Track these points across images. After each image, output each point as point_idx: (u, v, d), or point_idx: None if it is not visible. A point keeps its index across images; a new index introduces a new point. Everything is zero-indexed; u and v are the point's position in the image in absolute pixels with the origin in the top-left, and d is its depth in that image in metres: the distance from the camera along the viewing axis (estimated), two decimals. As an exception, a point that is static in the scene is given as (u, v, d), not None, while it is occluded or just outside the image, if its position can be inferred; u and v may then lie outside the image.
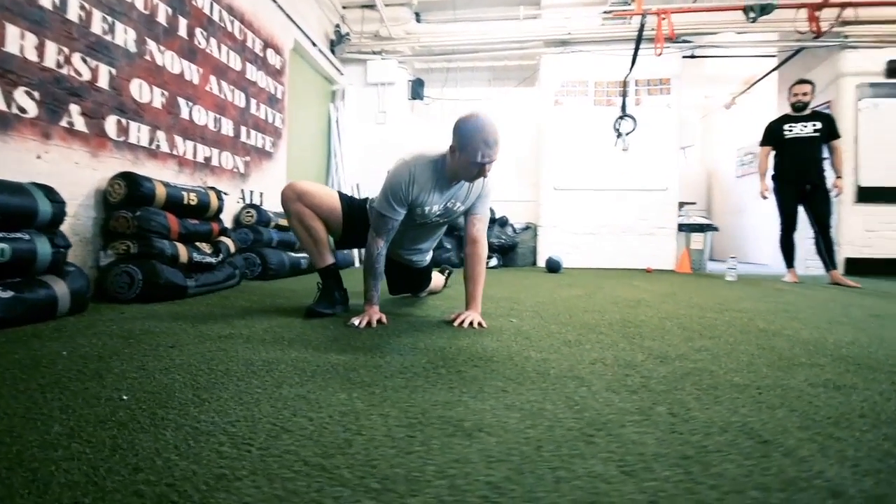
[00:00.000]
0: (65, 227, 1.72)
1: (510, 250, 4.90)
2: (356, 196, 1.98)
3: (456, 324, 1.61)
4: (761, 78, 5.42)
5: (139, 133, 2.33)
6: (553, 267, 4.27)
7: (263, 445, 0.66)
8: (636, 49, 4.20)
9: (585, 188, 4.88)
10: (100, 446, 0.65)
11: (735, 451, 0.66)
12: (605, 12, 4.65)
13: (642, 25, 3.93)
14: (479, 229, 1.76)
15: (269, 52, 3.61)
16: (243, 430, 0.72)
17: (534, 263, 5.07)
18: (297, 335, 1.40)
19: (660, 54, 4.13)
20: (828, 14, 4.00)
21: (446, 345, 1.31)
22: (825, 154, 3.64)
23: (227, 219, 3.10)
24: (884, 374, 1.08)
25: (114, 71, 2.15)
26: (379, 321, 1.61)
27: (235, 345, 1.26)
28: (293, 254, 3.35)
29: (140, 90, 2.33)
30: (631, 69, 4.53)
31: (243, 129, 3.26)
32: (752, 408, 0.84)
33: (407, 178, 1.62)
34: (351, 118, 5.13)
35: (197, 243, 2.37)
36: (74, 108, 1.96)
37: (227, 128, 3.08)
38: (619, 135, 4.79)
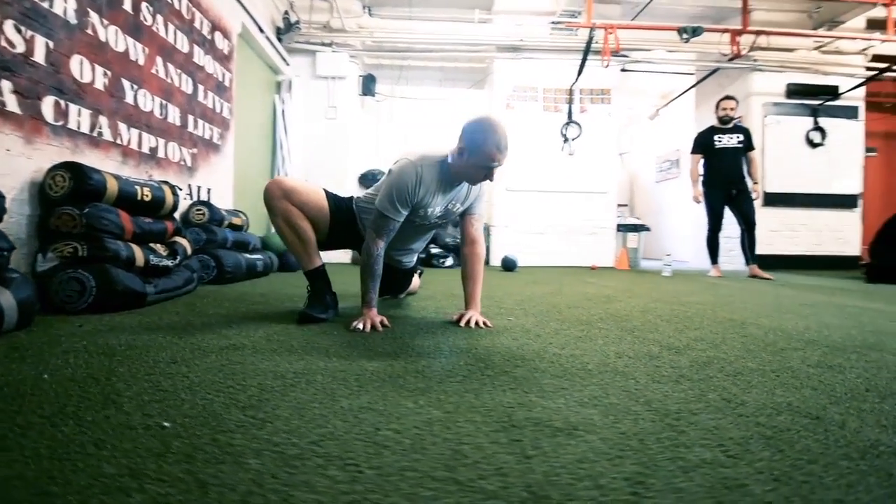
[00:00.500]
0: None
1: (465, 249, 4.96)
2: (340, 195, 1.90)
3: (462, 323, 1.61)
4: (683, 93, 5.99)
5: (80, 117, 2.04)
6: (509, 265, 4.40)
7: (372, 465, 0.62)
8: (584, 59, 4.46)
9: (535, 189, 5.09)
10: (184, 485, 0.56)
11: (802, 429, 0.74)
12: (553, 23, 4.87)
13: (591, 38, 4.18)
14: (478, 229, 1.78)
15: (217, 35, 3.33)
16: (334, 449, 0.67)
17: (487, 262, 5.18)
18: (304, 342, 1.31)
19: (607, 66, 4.42)
20: (745, 40, 4.52)
21: (470, 345, 1.31)
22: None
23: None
24: (854, 354, 1.25)
25: (51, 44, 1.86)
26: (382, 324, 1.56)
27: (245, 356, 1.16)
28: (249, 255, 3.12)
29: (81, 68, 2.04)
30: (577, 78, 4.79)
31: (190, 118, 2.98)
32: (782, 389, 0.95)
33: (414, 179, 1.59)
34: (298, 112, 4.88)
35: (151, 245, 2.13)
36: (6, 85, 1.67)
37: (174, 116, 2.79)
38: (566, 140, 5.05)
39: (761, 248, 5.23)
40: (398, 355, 1.19)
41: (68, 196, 1.82)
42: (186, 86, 2.92)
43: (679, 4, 4.87)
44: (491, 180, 1.59)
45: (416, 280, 2.43)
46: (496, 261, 4.99)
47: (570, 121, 5.01)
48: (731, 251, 5.51)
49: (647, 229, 5.28)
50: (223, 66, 3.43)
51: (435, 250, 4.83)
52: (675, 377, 1.02)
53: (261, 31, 4.06)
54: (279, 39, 4.59)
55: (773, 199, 5.19)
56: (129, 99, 2.37)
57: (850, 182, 5.25)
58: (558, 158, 5.08)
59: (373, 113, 5.62)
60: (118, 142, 2.30)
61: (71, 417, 0.77)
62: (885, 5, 4.37)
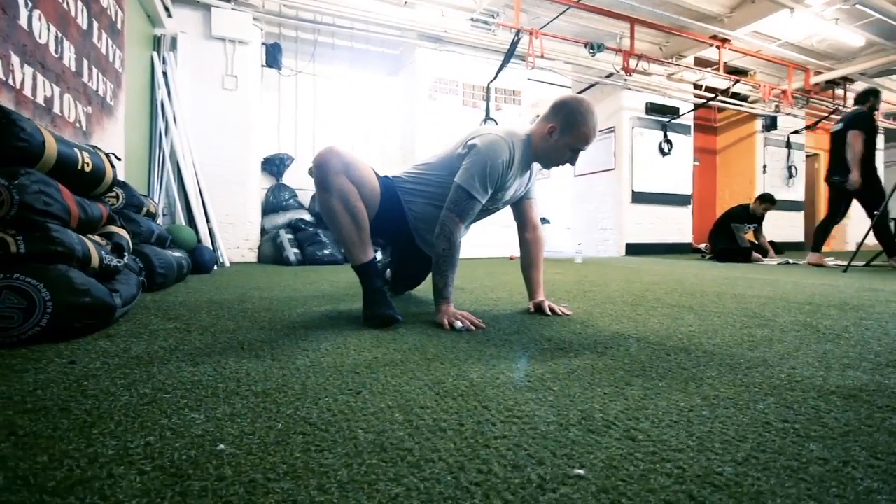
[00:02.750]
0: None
1: (391, 243, 4.71)
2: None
3: (547, 311, 1.52)
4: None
5: (-41, 36, 1.29)
6: (445, 258, 4.33)
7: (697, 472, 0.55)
8: (507, 59, 4.64)
9: (457, 183, 5.11)
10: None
11: None
12: (472, 20, 4.94)
13: (517, 40, 4.37)
14: (537, 213, 1.73)
15: (109, -42, 2.46)
16: (602, 471, 0.56)
17: (411, 256, 5.01)
18: (406, 352, 1.07)
19: (532, 68, 4.68)
20: (628, 62, 5.30)
21: (576, 339, 1.22)
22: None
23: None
24: (838, 310, 1.59)
25: None
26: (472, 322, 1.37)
27: (374, 376, 0.90)
28: (175, 252, 2.41)
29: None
30: (496, 76, 4.97)
31: (85, 64, 2.15)
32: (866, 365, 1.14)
33: (507, 157, 1.45)
34: (185, 77, 3.95)
35: (90, 235, 1.48)
36: None
37: (69, 56, 1.98)
38: (483, 135, 5.19)
39: (629, 238, 6.24)
40: (566, 350, 1.07)
41: (-19, 157, 1.13)
42: (82, 18, 2.09)
43: (570, 23, 5.43)
44: (573, 164, 1.53)
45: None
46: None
47: (487, 117, 5.17)
48: (607, 241, 6.41)
49: (549, 222, 5.79)
50: (116, 1, 2.56)
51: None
52: (782, 353, 1.15)
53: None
54: (164, -18, 3.63)
55: (637, 198, 6.23)
56: (23, 20, 1.59)
57: (686, 184, 6.64)
58: (476, 153, 5.19)
59: (274, 89, 4.89)
60: (10, 82, 1.52)
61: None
62: (717, 47, 5.63)
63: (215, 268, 3.53)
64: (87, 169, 1.45)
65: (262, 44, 4.39)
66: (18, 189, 1.15)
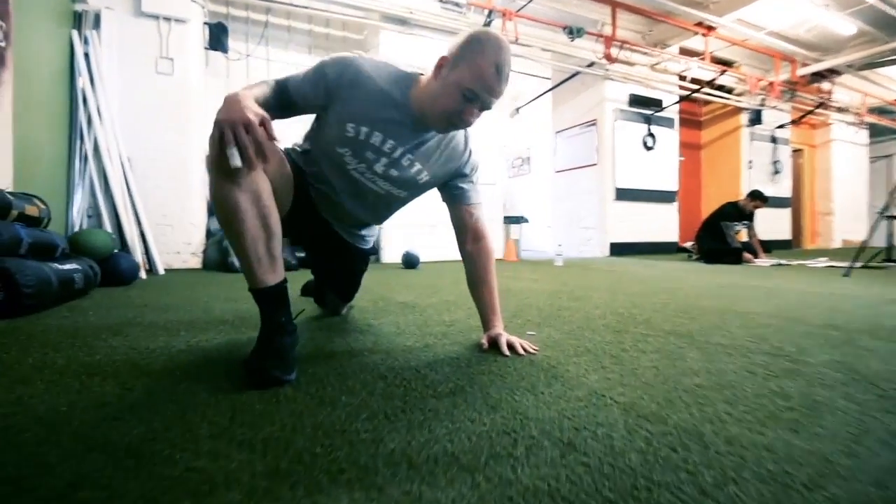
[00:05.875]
0: None
1: (354, 246, 4.29)
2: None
3: (505, 351, 1.12)
4: (548, 91, 6.41)
5: None
6: (410, 262, 3.94)
7: None
8: (478, 43, 4.25)
9: (427, 179, 4.71)
10: None
11: None
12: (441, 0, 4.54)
13: (489, 22, 3.99)
14: (479, 219, 1.26)
15: None
16: None
17: (377, 260, 4.61)
18: (283, 443, 0.68)
19: (503, 53, 4.29)
20: (614, 50, 4.96)
21: (532, 410, 0.86)
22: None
23: None
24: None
25: None
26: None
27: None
28: (59, 265, 1.96)
29: None
30: (467, 63, 4.57)
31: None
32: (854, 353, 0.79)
33: (349, 68, 1.06)
34: (111, 59, 3.46)
35: None
36: None
37: None
38: (456, 128, 4.80)
39: (613, 237, 5.92)
40: (512, 441, 0.68)
41: None
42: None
43: (548, 7, 5.07)
44: (465, 123, 1.02)
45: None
46: (391, 258, 4.47)
47: (460, 108, 4.77)
48: (590, 241, 6.10)
49: (527, 221, 5.44)
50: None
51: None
52: (789, 369, 0.79)
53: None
54: (78, -53, 3.14)
55: (621, 195, 5.91)
56: None
57: (671, 181, 6.34)
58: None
59: (221, 76, 4.41)
60: None
61: None
62: (703, 35, 5.33)
63: (143, 276, 3.07)
64: None
65: (205, 24, 3.91)
66: None
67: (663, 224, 6.29)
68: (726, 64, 6.58)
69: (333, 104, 1.07)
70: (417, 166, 1.15)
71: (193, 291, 2.35)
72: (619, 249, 5.89)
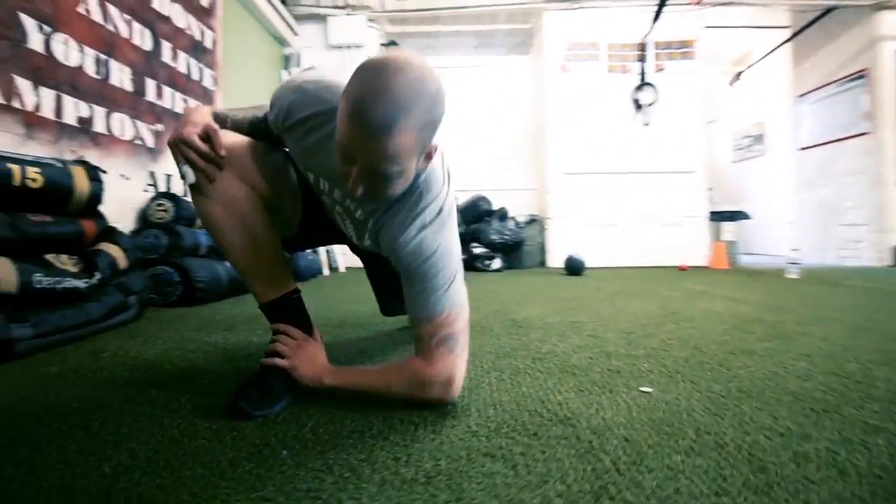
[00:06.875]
0: None
1: (514, 249, 4.04)
2: None
3: None
4: (781, 45, 4.81)
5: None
6: (575, 268, 3.44)
7: None
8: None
9: (601, 171, 4.09)
10: None
11: None
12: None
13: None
14: (439, 358, 0.76)
15: (191, -21, 2.58)
16: None
17: (542, 264, 4.24)
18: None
19: (698, 2, 3.37)
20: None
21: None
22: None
23: (129, 215, 2.08)
24: None
25: None
26: None
27: None
28: (234, 264, 2.35)
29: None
30: (652, 27, 3.76)
31: (150, 83, 2.23)
32: None
33: (291, 96, 0.81)
34: (311, 91, 4.11)
35: (49, 257, 1.36)
36: None
37: (122, 77, 2.04)
38: (639, 107, 4.02)
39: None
40: None
41: None
42: (142, 39, 2.17)
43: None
44: (354, 194, 0.67)
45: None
46: (556, 262, 4.04)
47: (643, 83, 3.98)
48: (858, 243, 4.32)
49: (748, 217, 4.16)
50: (201, 21, 2.68)
51: (478, 250, 3.94)
52: None
53: (257, -12, 3.31)
54: (283, 2, 3.83)
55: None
56: (36, 44, 1.62)
57: None
58: (630, 130, 4.06)
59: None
60: (15, 105, 1.55)
61: None
62: None
63: (326, 273, 3.51)
64: (35, 185, 1.33)
65: (381, 45, 4.29)
66: None
67: None
68: None
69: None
70: (367, 238, 0.86)
71: (355, 289, 2.51)
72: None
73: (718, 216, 4.12)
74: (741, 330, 1.41)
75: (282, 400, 0.81)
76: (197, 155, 0.80)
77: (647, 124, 4.04)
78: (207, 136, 0.81)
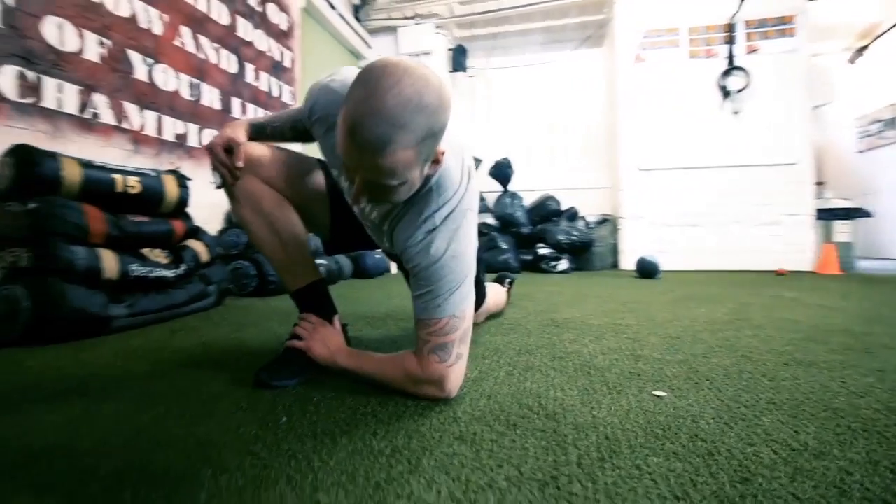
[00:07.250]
0: None
1: (584, 250, 3.88)
2: None
3: None
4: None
5: (61, 94, 1.62)
6: (648, 270, 3.22)
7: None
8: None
9: (681, 166, 3.77)
10: None
11: None
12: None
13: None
14: (433, 365, 0.77)
15: (271, 6, 2.87)
16: None
17: (615, 266, 4.01)
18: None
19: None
20: None
21: None
22: None
23: (215, 217, 2.37)
24: None
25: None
26: None
27: None
28: (318, 260, 2.57)
29: (61, 33, 1.61)
30: (741, 4, 3.40)
31: (235, 102, 2.53)
32: None
33: (328, 93, 0.88)
34: (383, 99, 4.34)
35: (144, 250, 1.62)
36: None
37: (211, 97, 2.35)
38: (727, 94, 3.65)
39: None
40: None
41: (13, 188, 1.36)
42: (228, 64, 2.47)
43: None
44: (352, 201, 0.81)
45: (498, 293, 1.56)
46: (629, 264, 3.80)
47: (731, 67, 3.61)
48: None
49: (868, 215, 3.56)
50: (281, 43, 2.97)
51: (544, 251, 3.85)
52: None
53: (331, 6, 3.57)
54: (357, 19, 4.10)
55: None
56: (141, 75, 1.94)
57: None
58: (716, 120, 3.69)
59: (465, 91, 4.84)
60: (125, 126, 1.86)
61: None
62: None
63: (393, 272, 3.68)
64: (133, 191, 1.60)
65: (448, 50, 4.38)
66: (31, 213, 1.32)
67: None
68: None
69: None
70: (384, 234, 0.88)
71: (393, 289, 2.63)
72: None
73: (828, 214, 3.58)
74: (813, 340, 1.23)
75: (299, 376, 0.90)
76: (219, 162, 0.93)
77: (736, 112, 3.65)
78: (230, 148, 0.93)
